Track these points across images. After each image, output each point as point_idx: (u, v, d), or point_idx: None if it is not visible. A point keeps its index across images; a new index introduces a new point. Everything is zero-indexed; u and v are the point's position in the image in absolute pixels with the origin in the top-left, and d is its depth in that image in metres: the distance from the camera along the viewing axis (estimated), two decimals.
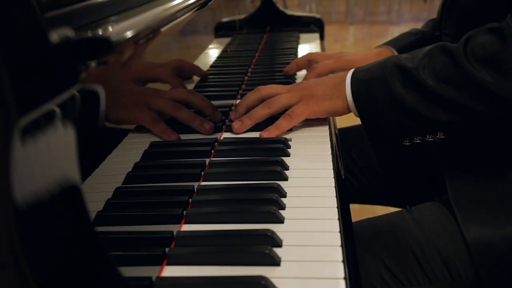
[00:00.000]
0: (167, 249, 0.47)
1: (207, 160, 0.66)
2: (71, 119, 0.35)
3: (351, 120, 0.82)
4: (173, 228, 0.51)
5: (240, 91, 0.94)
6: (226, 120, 0.79)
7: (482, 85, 0.61)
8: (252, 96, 0.77)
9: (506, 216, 0.67)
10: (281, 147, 0.68)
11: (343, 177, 0.64)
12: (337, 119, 0.85)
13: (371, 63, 0.71)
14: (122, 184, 0.60)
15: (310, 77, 0.95)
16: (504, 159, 0.71)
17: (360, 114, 0.70)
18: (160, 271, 0.45)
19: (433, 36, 0.91)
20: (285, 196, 0.57)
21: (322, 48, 1.35)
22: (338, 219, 0.52)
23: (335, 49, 1.02)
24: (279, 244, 0.48)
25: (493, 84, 0.60)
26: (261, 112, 0.74)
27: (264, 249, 0.45)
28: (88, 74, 0.39)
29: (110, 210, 0.55)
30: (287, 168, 0.64)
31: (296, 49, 1.29)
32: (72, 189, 0.36)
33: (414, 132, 0.68)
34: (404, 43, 0.99)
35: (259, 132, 0.73)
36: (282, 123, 0.73)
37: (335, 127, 0.79)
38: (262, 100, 0.76)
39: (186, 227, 0.52)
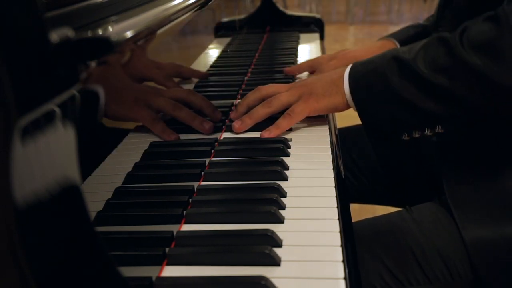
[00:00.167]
0: (167, 249, 0.47)
1: (207, 160, 0.66)
2: (71, 119, 0.35)
3: (351, 120, 0.82)
4: (173, 228, 0.51)
5: (240, 91, 0.94)
6: (226, 120, 0.79)
7: (476, 72, 0.60)
8: (252, 96, 0.77)
9: (504, 215, 0.67)
10: (281, 147, 0.68)
11: (343, 177, 0.64)
12: (337, 119, 0.85)
13: (370, 57, 0.71)
14: (122, 184, 0.60)
15: None
16: (501, 159, 0.71)
17: (357, 108, 0.70)
18: (160, 271, 0.45)
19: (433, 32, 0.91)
20: (285, 196, 0.57)
21: (322, 48, 1.35)
22: (338, 219, 0.52)
23: (335, 49, 1.03)
24: (279, 244, 0.48)
25: (487, 70, 0.60)
26: (261, 111, 0.74)
27: (264, 249, 0.45)
28: (88, 70, 0.39)
29: (110, 210, 0.55)
30: (287, 168, 0.64)
31: (296, 49, 1.29)
32: (72, 189, 0.36)
33: (412, 125, 0.67)
34: (406, 36, 0.99)
35: (260, 132, 0.73)
36: (283, 123, 0.73)
37: (335, 127, 0.79)
38: (262, 100, 0.76)
39: (186, 227, 0.52)
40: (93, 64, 0.39)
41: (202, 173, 0.63)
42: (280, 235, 0.49)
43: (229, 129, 0.76)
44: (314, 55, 1.06)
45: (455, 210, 0.69)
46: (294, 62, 1.16)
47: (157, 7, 0.56)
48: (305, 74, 1.04)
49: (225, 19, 1.23)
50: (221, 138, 0.73)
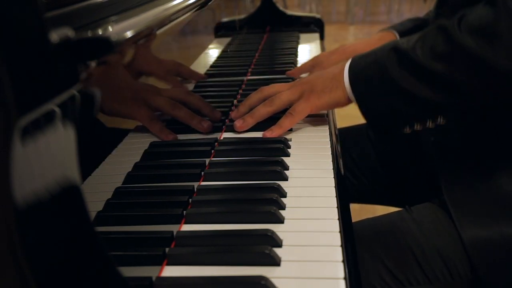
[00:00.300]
0: (167, 249, 0.47)
1: (207, 160, 0.66)
2: (71, 119, 0.35)
3: (351, 120, 0.82)
4: (173, 228, 0.51)
5: (240, 91, 0.94)
6: (226, 120, 0.79)
7: (473, 56, 0.60)
8: (254, 96, 0.77)
9: (503, 215, 0.67)
10: (281, 147, 0.68)
11: (343, 177, 0.64)
12: (337, 119, 0.85)
13: (369, 50, 0.71)
14: (122, 184, 0.60)
15: None
16: (499, 159, 0.71)
17: (357, 101, 0.70)
18: (160, 271, 0.45)
19: None
20: (285, 196, 0.57)
21: (322, 48, 1.35)
22: (338, 219, 0.52)
23: None
24: (279, 244, 0.48)
25: (484, 53, 0.59)
26: (262, 111, 0.74)
27: (264, 249, 0.45)
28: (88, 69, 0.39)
29: (110, 210, 0.55)
30: (287, 168, 0.64)
31: (296, 49, 1.29)
32: (72, 189, 0.36)
33: (412, 117, 0.67)
34: (406, 27, 0.99)
35: (262, 132, 0.73)
36: (285, 122, 0.73)
37: (335, 127, 0.79)
38: (264, 100, 0.76)
39: (186, 227, 0.52)
40: (93, 64, 0.39)
41: (202, 173, 0.63)
42: (280, 235, 0.49)
43: (229, 129, 0.76)
44: (314, 55, 1.06)
45: (453, 210, 0.69)
46: (294, 62, 1.16)
47: (157, 7, 0.56)
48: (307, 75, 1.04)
49: (225, 19, 1.23)
50: (221, 138, 0.73)
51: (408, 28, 0.99)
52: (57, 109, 0.33)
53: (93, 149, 0.56)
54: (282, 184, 0.59)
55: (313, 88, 0.74)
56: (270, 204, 0.53)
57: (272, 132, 0.72)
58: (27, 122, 0.30)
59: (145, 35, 0.53)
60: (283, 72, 1.04)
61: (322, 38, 1.49)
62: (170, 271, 0.45)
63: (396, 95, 0.66)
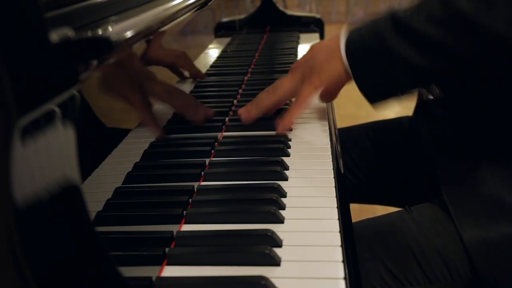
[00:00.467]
0: (167, 249, 0.47)
1: (207, 160, 0.66)
2: (71, 119, 0.35)
3: (351, 120, 0.82)
4: (173, 228, 0.51)
5: (240, 91, 0.94)
6: (226, 120, 0.79)
7: (467, 18, 0.59)
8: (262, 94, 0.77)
9: (502, 215, 0.67)
10: (281, 147, 0.68)
11: (343, 177, 0.64)
12: (337, 119, 0.85)
13: (365, 20, 0.71)
14: (122, 184, 0.60)
15: None
16: (499, 158, 0.71)
17: (351, 67, 0.69)
18: (160, 271, 0.45)
19: None
20: (285, 196, 0.57)
21: None
22: (338, 219, 0.52)
23: None
24: (279, 244, 0.48)
25: (478, 15, 0.58)
26: (265, 99, 0.73)
27: (264, 249, 0.45)
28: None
29: (110, 210, 0.55)
30: (287, 168, 0.64)
31: (296, 49, 1.29)
32: (72, 189, 0.36)
33: (406, 83, 0.66)
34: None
35: (275, 131, 0.73)
36: (294, 108, 0.73)
37: (335, 127, 0.79)
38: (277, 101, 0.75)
39: (186, 227, 0.52)
40: (93, 64, 0.39)
41: (202, 173, 0.63)
42: (280, 235, 0.49)
43: (229, 129, 0.76)
44: None
45: (453, 210, 0.69)
46: (294, 62, 1.16)
47: (157, 7, 0.56)
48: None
49: (225, 19, 1.23)
50: (221, 138, 0.73)
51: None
52: (57, 109, 0.33)
53: (93, 149, 0.56)
54: (282, 184, 0.59)
55: (312, 68, 0.73)
56: (270, 204, 0.53)
57: (284, 122, 0.72)
58: (27, 122, 0.30)
59: (145, 35, 0.53)
60: (283, 72, 1.04)
61: (322, 38, 1.49)
62: (170, 271, 0.45)
63: (392, 63, 0.65)
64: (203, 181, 0.62)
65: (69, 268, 0.35)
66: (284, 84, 0.74)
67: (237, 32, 1.30)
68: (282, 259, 0.46)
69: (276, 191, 0.57)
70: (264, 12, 1.55)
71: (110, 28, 0.42)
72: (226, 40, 1.23)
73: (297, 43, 1.37)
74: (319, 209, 0.54)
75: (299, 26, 1.54)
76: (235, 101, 0.88)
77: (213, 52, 1.12)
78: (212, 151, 0.68)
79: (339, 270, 0.44)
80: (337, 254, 0.46)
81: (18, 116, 0.30)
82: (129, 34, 0.44)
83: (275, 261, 0.45)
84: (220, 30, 1.17)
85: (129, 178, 0.61)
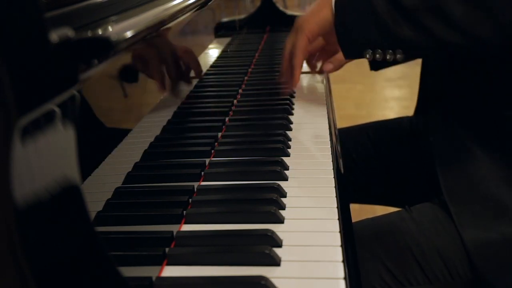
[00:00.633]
0: (167, 249, 0.47)
1: (207, 160, 0.66)
2: (71, 119, 0.35)
3: (351, 120, 0.82)
4: (173, 228, 0.51)
5: (240, 91, 0.94)
6: (226, 120, 0.79)
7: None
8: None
9: (502, 215, 0.67)
10: (281, 147, 0.68)
11: (343, 177, 0.64)
12: (337, 119, 0.85)
13: None
14: (122, 184, 0.60)
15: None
16: (498, 158, 0.71)
17: (335, 14, 0.72)
18: (160, 271, 0.45)
19: None
20: (285, 196, 0.57)
21: None
22: (338, 219, 0.52)
23: None
24: (279, 244, 0.48)
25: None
26: (284, 63, 0.82)
27: (264, 249, 0.45)
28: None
29: (110, 210, 0.55)
30: (287, 168, 0.64)
31: None
32: (72, 189, 0.36)
33: (377, 43, 0.69)
34: None
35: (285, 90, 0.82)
36: (295, 61, 0.78)
37: (335, 127, 0.80)
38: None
39: (186, 227, 0.52)
40: (93, 63, 0.39)
41: (202, 173, 0.63)
42: (280, 235, 0.49)
43: (229, 129, 0.76)
44: None
45: (453, 210, 0.69)
46: None
47: (157, 7, 0.56)
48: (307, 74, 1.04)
49: (225, 19, 1.23)
50: (221, 138, 0.73)
51: None
52: (57, 109, 0.33)
53: (93, 149, 0.56)
54: (282, 184, 0.59)
55: (304, 19, 0.77)
56: (270, 204, 0.53)
57: (293, 78, 0.79)
58: (27, 122, 0.30)
59: (145, 35, 0.53)
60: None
61: None
62: (170, 271, 0.45)
63: (371, 19, 0.68)
64: (203, 181, 0.62)
65: (69, 268, 0.35)
66: (285, 45, 0.81)
67: (237, 32, 1.30)
68: (282, 259, 0.46)
69: (276, 191, 0.57)
70: (264, 12, 1.55)
71: (110, 28, 0.42)
72: (226, 40, 1.23)
73: None
74: (319, 209, 0.54)
75: None
76: (235, 101, 0.88)
77: (213, 52, 1.12)
78: (212, 151, 0.68)
79: (339, 270, 0.44)
80: (337, 254, 0.46)
81: (18, 116, 0.30)
82: (129, 34, 0.44)
83: (275, 261, 0.45)
84: (220, 30, 1.17)
85: (129, 178, 0.61)
